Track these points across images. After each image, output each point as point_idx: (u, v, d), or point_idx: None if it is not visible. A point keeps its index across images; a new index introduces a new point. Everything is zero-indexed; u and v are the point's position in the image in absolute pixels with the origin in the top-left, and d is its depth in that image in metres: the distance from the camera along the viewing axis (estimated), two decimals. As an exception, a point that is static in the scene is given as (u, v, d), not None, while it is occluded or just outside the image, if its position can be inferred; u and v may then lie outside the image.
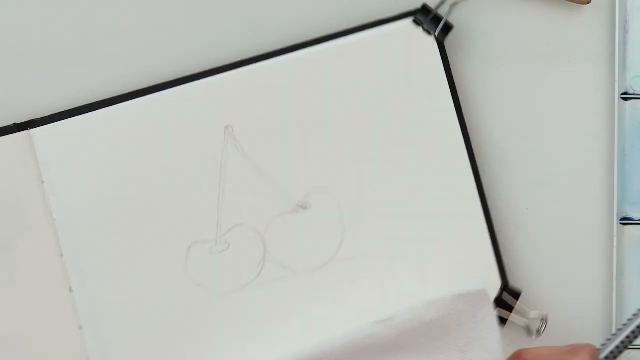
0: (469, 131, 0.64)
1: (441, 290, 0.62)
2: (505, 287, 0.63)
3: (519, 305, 0.64)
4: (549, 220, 0.66)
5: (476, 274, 0.63)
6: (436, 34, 0.63)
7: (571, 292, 0.66)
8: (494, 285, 0.63)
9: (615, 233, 0.65)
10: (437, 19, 0.64)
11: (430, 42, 0.64)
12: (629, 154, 0.65)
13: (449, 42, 0.64)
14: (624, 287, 0.65)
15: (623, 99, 0.65)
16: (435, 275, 0.63)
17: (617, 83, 0.64)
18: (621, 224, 0.65)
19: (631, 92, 0.65)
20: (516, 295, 0.64)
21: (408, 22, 0.64)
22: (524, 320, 0.64)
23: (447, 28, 0.64)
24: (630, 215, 0.65)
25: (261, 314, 0.63)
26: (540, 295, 0.66)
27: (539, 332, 0.65)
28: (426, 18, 0.64)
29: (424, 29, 0.64)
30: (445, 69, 0.64)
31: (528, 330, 0.64)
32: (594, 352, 0.54)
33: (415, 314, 0.61)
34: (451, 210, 0.64)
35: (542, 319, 0.64)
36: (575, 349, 0.54)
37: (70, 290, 0.62)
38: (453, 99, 0.64)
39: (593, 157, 0.66)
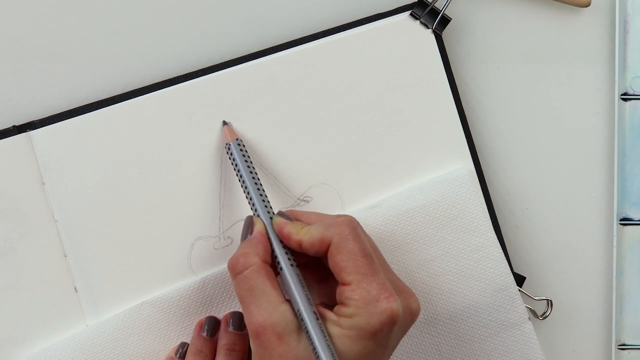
0: (470, 131, 0.64)
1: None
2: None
3: (522, 291, 0.64)
4: (548, 221, 0.66)
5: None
6: (433, 27, 0.64)
7: (571, 292, 0.66)
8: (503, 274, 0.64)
9: (615, 233, 0.65)
10: (434, 12, 0.64)
11: (428, 35, 0.64)
12: (629, 154, 0.65)
13: (449, 42, 0.64)
14: (624, 287, 0.66)
15: (623, 99, 0.65)
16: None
17: (617, 83, 0.65)
18: (621, 224, 0.65)
19: (631, 92, 0.65)
20: (520, 281, 0.64)
21: (405, 15, 0.64)
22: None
23: (445, 21, 0.64)
24: (630, 215, 0.65)
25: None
26: (539, 294, 0.66)
27: (544, 316, 0.65)
28: (423, 11, 0.64)
29: (421, 22, 0.64)
30: (443, 62, 0.64)
31: (534, 314, 0.65)
32: (353, 220, 0.54)
33: (401, 201, 0.63)
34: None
35: (548, 302, 0.65)
36: (337, 217, 0.55)
37: (75, 290, 0.62)
38: (452, 91, 0.64)
39: (593, 157, 0.66)
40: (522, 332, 0.63)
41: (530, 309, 0.64)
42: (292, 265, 0.53)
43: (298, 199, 0.63)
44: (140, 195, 0.62)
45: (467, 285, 0.63)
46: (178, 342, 0.62)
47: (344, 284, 0.52)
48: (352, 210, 0.63)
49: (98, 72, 0.64)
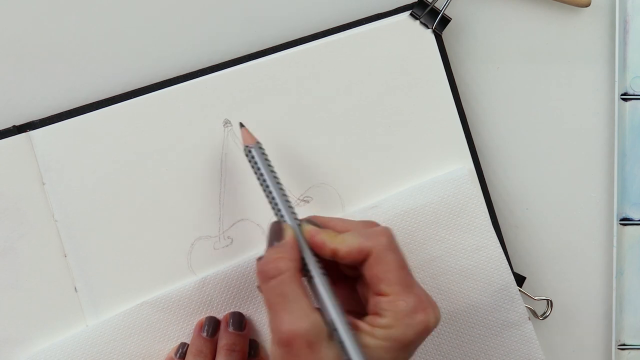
0: (470, 131, 0.64)
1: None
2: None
3: (522, 291, 0.64)
4: (548, 221, 0.66)
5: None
6: (433, 27, 0.64)
7: (571, 292, 0.66)
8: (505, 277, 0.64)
9: (615, 233, 0.65)
10: (434, 12, 0.64)
11: (428, 35, 0.64)
12: (629, 154, 0.65)
13: (449, 42, 0.64)
14: (624, 287, 0.66)
15: (623, 99, 0.65)
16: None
17: (617, 83, 0.65)
18: (621, 224, 0.65)
19: (631, 92, 0.65)
20: (520, 281, 0.64)
21: (405, 15, 0.64)
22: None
23: (445, 21, 0.64)
24: (630, 216, 0.65)
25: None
26: (539, 294, 0.66)
27: (544, 316, 0.65)
28: (423, 11, 0.64)
29: (421, 22, 0.64)
30: (443, 62, 0.64)
31: (534, 314, 0.65)
32: (391, 232, 0.53)
33: (401, 201, 0.63)
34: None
35: (548, 302, 0.65)
36: (373, 227, 0.54)
37: (75, 290, 0.62)
38: (452, 91, 0.64)
39: (593, 157, 0.66)
40: (522, 331, 0.63)
41: (530, 309, 0.64)
42: (323, 274, 0.53)
43: (298, 198, 0.63)
44: (140, 195, 0.62)
45: (467, 285, 0.63)
46: (178, 342, 0.62)
47: (380, 295, 0.51)
48: (352, 210, 0.63)
49: (98, 72, 0.64)
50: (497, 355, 0.63)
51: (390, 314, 0.50)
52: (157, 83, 0.63)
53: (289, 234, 0.54)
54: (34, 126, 0.61)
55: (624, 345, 0.66)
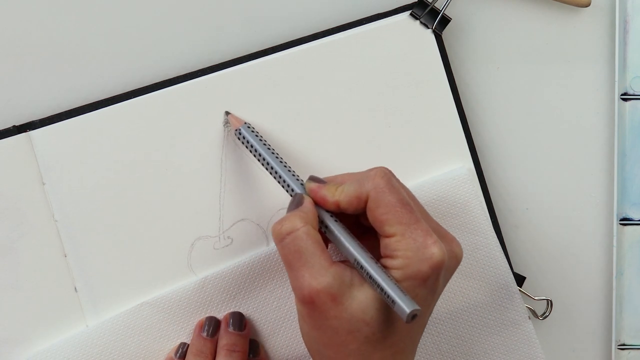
0: (470, 131, 0.64)
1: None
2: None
3: (522, 291, 0.64)
4: (548, 221, 0.66)
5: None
6: (433, 27, 0.64)
7: (571, 292, 0.66)
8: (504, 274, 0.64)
9: (615, 233, 0.65)
10: (434, 12, 0.64)
11: (428, 35, 0.64)
12: (629, 154, 0.65)
13: (449, 42, 0.64)
14: (624, 287, 0.66)
15: (623, 99, 0.65)
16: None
17: (617, 83, 0.65)
18: (621, 224, 0.65)
19: (631, 92, 0.65)
20: (520, 281, 0.64)
21: (405, 15, 0.64)
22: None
23: (445, 21, 0.64)
24: (630, 216, 0.65)
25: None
26: (539, 294, 0.66)
27: (544, 316, 0.65)
28: (423, 11, 0.64)
29: (421, 22, 0.64)
30: (443, 62, 0.64)
31: (534, 314, 0.65)
32: (386, 171, 0.53)
33: None
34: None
35: (548, 302, 0.65)
36: (369, 171, 0.54)
37: (75, 290, 0.62)
38: (452, 91, 0.64)
39: (593, 157, 0.66)
40: (522, 331, 0.63)
41: (530, 309, 0.64)
42: (336, 220, 0.53)
43: (298, 198, 0.63)
44: (140, 195, 0.62)
45: (467, 284, 0.63)
46: (178, 342, 0.62)
47: (387, 236, 0.51)
48: None
49: (98, 72, 0.64)
50: (497, 355, 0.63)
51: (400, 253, 0.50)
52: (157, 83, 0.63)
53: (306, 200, 0.54)
54: (34, 126, 0.61)
55: (624, 345, 0.66)
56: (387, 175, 0.52)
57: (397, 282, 0.50)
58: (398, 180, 0.53)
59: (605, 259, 0.66)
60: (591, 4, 0.64)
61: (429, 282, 0.50)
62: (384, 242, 0.51)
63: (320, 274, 0.50)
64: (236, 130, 0.58)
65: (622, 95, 0.65)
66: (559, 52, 0.65)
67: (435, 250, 0.50)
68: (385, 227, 0.51)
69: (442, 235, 0.53)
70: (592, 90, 0.66)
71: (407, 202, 0.51)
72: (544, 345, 0.66)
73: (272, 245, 0.63)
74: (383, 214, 0.51)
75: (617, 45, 0.64)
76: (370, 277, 0.50)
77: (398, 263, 0.50)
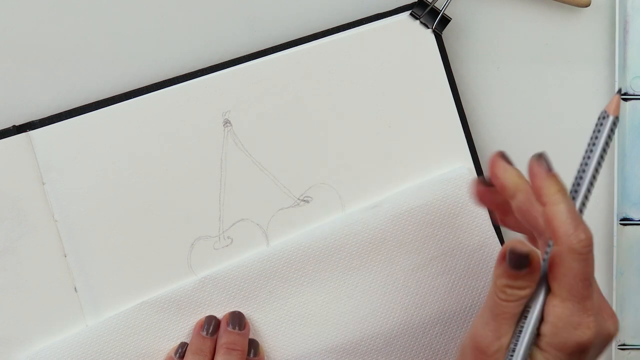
0: (470, 131, 0.64)
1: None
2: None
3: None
4: (549, 220, 0.66)
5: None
6: (433, 27, 0.63)
7: (571, 292, 0.66)
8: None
9: (615, 233, 0.65)
10: (434, 12, 0.64)
11: (428, 35, 0.64)
12: (629, 154, 0.65)
13: (449, 42, 0.64)
14: (624, 287, 0.66)
15: (623, 99, 0.65)
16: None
17: (617, 83, 0.64)
18: (621, 224, 0.65)
19: (631, 92, 0.65)
20: None
21: (405, 15, 0.64)
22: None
23: (445, 21, 0.64)
24: (630, 216, 0.65)
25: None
26: (540, 295, 0.66)
27: None
28: (423, 11, 0.64)
29: (421, 22, 0.64)
30: (443, 62, 0.64)
31: None
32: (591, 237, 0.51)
33: (401, 201, 0.62)
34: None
35: None
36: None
37: (75, 289, 0.62)
38: (452, 91, 0.64)
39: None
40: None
41: None
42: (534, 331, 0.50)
43: (298, 198, 0.63)
44: (140, 195, 0.62)
45: (467, 284, 0.63)
46: (178, 342, 0.62)
47: (551, 293, 0.49)
48: (352, 210, 0.63)
49: (98, 72, 0.64)
50: None
51: (551, 319, 0.49)
52: (157, 83, 0.63)
53: (535, 261, 0.49)
54: (33, 126, 0.62)
55: (624, 345, 0.66)
56: (591, 246, 0.50)
57: (544, 349, 0.49)
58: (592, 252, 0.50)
59: (606, 259, 0.66)
60: (591, 4, 0.64)
61: (573, 357, 0.49)
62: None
63: (494, 338, 0.49)
64: (604, 111, 0.51)
65: (622, 95, 0.65)
66: (559, 52, 0.65)
67: (584, 330, 0.48)
68: (555, 283, 0.49)
69: (600, 309, 0.50)
70: (592, 90, 0.66)
71: (589, 277, 0.49)
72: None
73: (272, 245, 0.63)
74: (562, 274, 0.48)
75: (617, 45, 0.64)
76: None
77: (546, 329, 0.49)
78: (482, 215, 0.63)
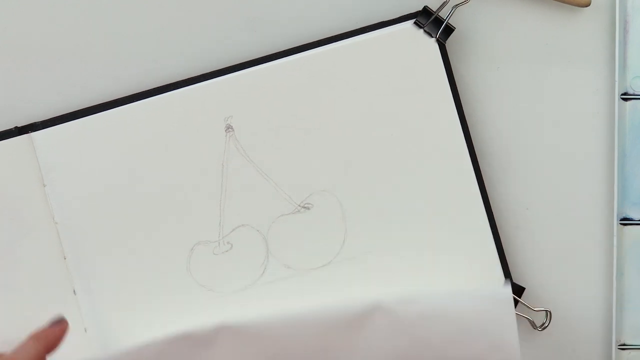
0: (470, 131, 0.64)
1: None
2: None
3: (521, 301, 0.64)
4: (549, 221, 0.66)
5: (479, 272, 0.63)
6: (437, 36, 0.63)
7: (571, 292, 0.66)
8: (497, 283, 0.64)
9: (615, 233, 0.65)
10: (438, 21, 0.63)
11: (432, 44, 0.63)
12: (629, 154, 0.65)
13: (449, 42, 0.64)
14: (624, 287, 0.66)
15: (623, 99, 0.65)
16: (438, 274, 0.64)
17: (617, 83, 0.64)
18: (621, 224, 0.65)
19: (631, 92, 0.65)
20: (519, 291, 0.64)
21: (409, 24, 0.64)
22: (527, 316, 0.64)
23: (449, 30, 0.63)
24: (630, 216, 0.65)
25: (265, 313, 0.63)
26: (540, 295, 0.66)
27: (543, 327, 0.65)
28: (427, 20, 0.63)
29: (425, 31, 0.63)
30: (446, 71, 0.64)
31: (533, 324, 0.65)
32: None
33: (437, 302, 0.61)
34: (453, 209, 0.64)
35: (547, 313, 0.65)
36: None
37: (74, 292, 0.62)
38: (454, 100, 0.64)
39: (593, 158, 0.66)
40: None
41: (528, 320, 0.64)
42: None
43: (299, 205, 0.63)
44: (140, 199, 0.62)
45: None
46: None
47: None
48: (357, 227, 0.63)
49: (100, 75, 0.64)
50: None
51: None
52: (159, 87, 0.63)
53: None
54: (35, 128, 0.62)
55: (624, 345, 0.66)
56: None
57: None
58: None
59: (606, 259, 0.66)
60: (591, 4, 0.64)
61: None
62: None
63: None
64: None
65: (622, 95, 0.65)
66: (559, 52, 0.65)
67: None
68: None
69: None
70: (592, 90, 0.65)
71: None
72: (545, 345, 0.66)
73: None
74: None
75: (617, 45, 0.64)
76: None
77: None
78: (511, 337, 0.61)
